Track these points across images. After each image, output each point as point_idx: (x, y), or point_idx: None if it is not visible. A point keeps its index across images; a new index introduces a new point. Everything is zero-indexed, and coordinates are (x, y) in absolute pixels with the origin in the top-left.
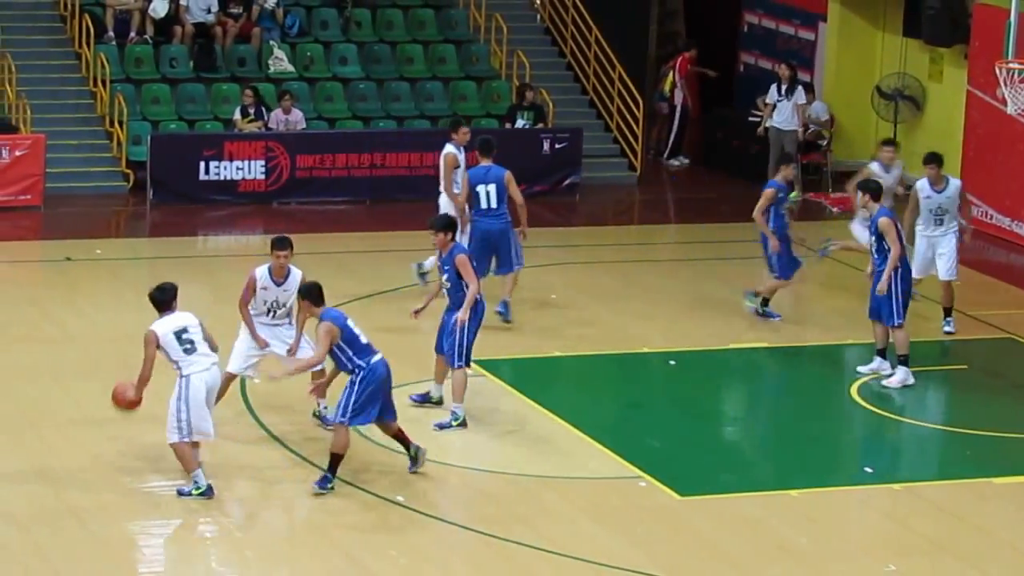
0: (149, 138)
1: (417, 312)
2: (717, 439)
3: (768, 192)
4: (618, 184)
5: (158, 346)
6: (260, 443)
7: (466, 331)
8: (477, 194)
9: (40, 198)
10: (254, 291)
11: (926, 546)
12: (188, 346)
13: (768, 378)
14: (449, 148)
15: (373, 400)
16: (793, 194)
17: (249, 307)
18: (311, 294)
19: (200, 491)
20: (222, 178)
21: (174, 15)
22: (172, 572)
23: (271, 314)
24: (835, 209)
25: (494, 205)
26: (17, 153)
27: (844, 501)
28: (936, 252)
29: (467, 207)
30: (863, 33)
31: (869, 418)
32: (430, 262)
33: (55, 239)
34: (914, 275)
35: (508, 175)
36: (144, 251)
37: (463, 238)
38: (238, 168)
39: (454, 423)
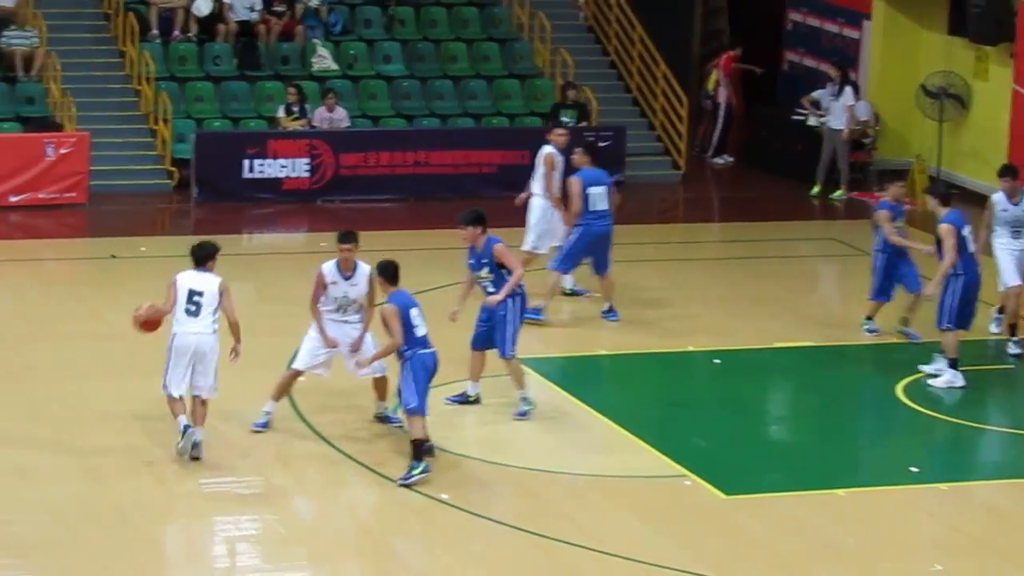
0: (193, 136)
1: (455, 314)
2: (762, 438)
3: (883, 214)
4: (662, 182)
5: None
6: (307, 440)
7: (516, 320)
8: (588, 196)
9: (85, 195)
10: (324, 287)
11: (973, 546)
12: (192, 308)
13: (813, 377)
14: (549, 149)
15: (423, 388)
16: (839, 192)
17: (319, 305)
18: (386, 271)
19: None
20: (266, 176)
21: (218, 13)
22: (217, 568)
23: (341, 311)
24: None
25: (604, 207)
26: (62, 151)
27: (891, 501)
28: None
29: (562, 207)
30: (908, 31)
31: (915, 417)
32: (569, 281)
33: (100, 236)
34: (1010, 284)
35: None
36: (189, 249)
37: (562, 238)
38: (282, 166)
39: (529, 408)
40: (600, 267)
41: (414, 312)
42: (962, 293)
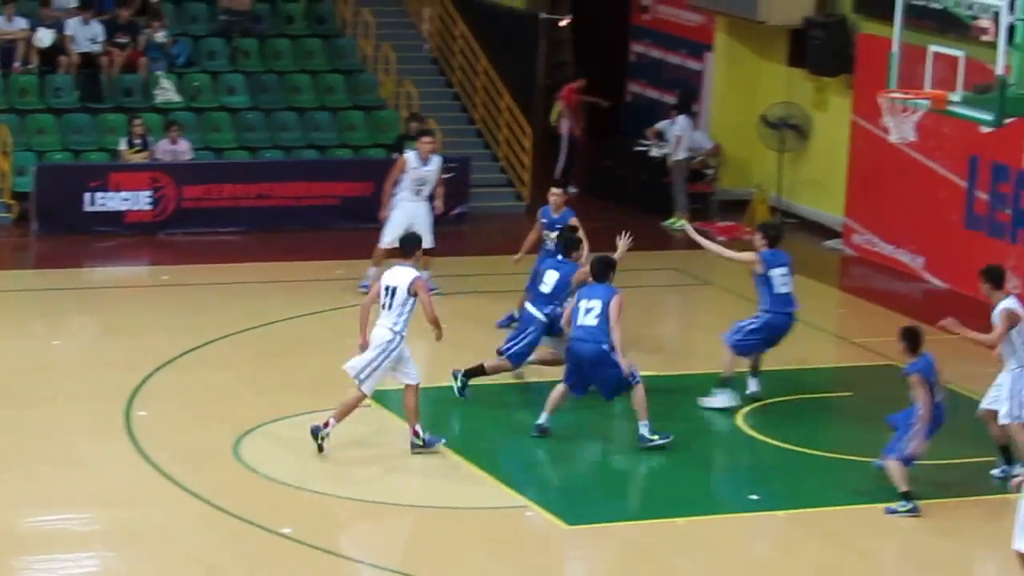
0: (34, 169)
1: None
2: (604, 467)
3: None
4: (507, 214)
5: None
6: (150, 475)
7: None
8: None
9: None
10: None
11: (812, 572)
12: (385, 302)
13: (655, 406)
14: (407, 154)
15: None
16: (679, 222)
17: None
18: None
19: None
20: (108, 209)
21: (60, 44)
22: None
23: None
24: (721, 238)
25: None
26: None
27: (731, 528)
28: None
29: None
30: (749, 63)
31: (755, 445)
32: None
33: None
34: None
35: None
36: (30, 283)
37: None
38: (124, 199)
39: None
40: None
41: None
42: (765, 331)
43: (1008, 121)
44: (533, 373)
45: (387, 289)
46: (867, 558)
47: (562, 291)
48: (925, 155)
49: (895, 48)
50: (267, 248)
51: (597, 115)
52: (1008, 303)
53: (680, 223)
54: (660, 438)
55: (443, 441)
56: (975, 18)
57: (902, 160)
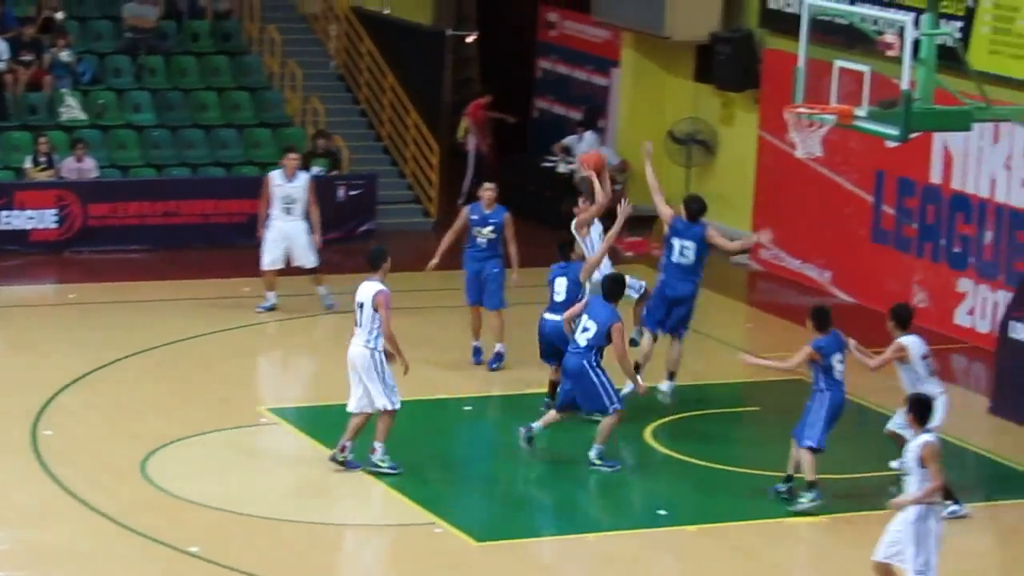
0: None
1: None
2: (513, 484)
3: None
4: (414, 230)
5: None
6: (56, 495)
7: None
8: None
9: None
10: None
11: None
12: (356, 319)
13: (564, 422)
14: (272, 172)
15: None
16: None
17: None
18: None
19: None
20: (13, 227)
21: None
22: None
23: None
24: (628, 253)
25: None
26: None
27: (640, 544)
28: None
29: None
30: (656, 78)
31: (664, 460)
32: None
33: None
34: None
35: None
36: None
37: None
38: (29, 217)
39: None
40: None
41: None
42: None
43: (913, 136)
44: (444, 389)
45: (358, 305)
46: (777, 570)
47: (576, 293)
48: (832, 170)
49: (801, 63)
50: (174, 266)
51: (504, 131)
52: (904, 340)
53: None
54: (606, 465)
55: (360, 468)
56: (880, 33)
57: (809, 175)
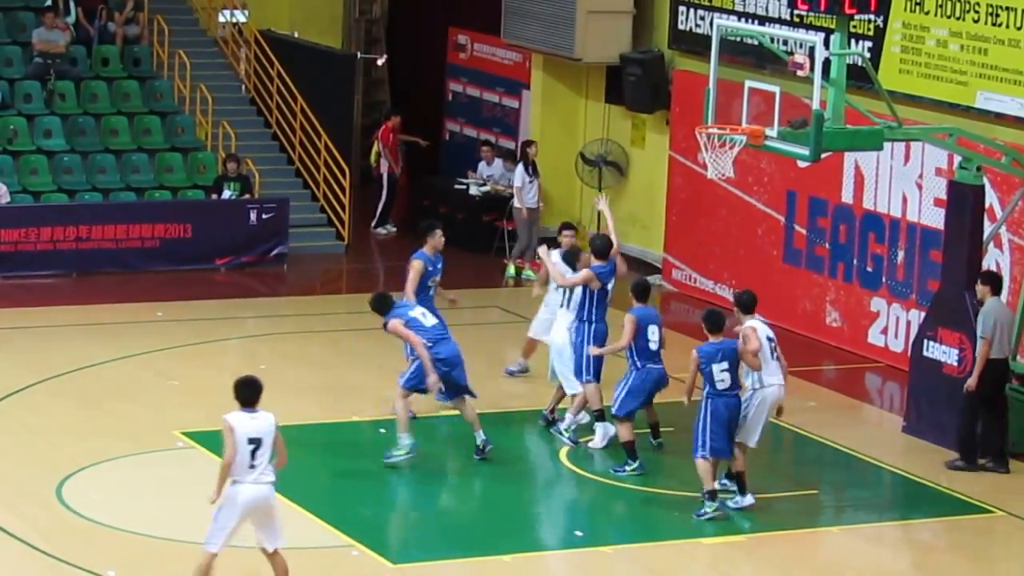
0: None
1: None
2: (429, 505)
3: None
4: (326, 253)
5: None
6: None
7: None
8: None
9: None
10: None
11: None
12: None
13: (487, 443)
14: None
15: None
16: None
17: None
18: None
19: None
20: None
21: None
22: None
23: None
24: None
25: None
26: None
27: (556, 565)
28: None
29: None
30: (567, 100)
31: (580, 482)
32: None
33: None
34: None
35: None
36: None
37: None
38: None
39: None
40: None
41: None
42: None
43: (825, 155)
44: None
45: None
46: None
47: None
48: (743, 190)
49: (711, 83)
50: (86, 291)
51: (417, 154)
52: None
53: (513, 270)
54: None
55: None
56: (791, 53)
57: (720, 196)
